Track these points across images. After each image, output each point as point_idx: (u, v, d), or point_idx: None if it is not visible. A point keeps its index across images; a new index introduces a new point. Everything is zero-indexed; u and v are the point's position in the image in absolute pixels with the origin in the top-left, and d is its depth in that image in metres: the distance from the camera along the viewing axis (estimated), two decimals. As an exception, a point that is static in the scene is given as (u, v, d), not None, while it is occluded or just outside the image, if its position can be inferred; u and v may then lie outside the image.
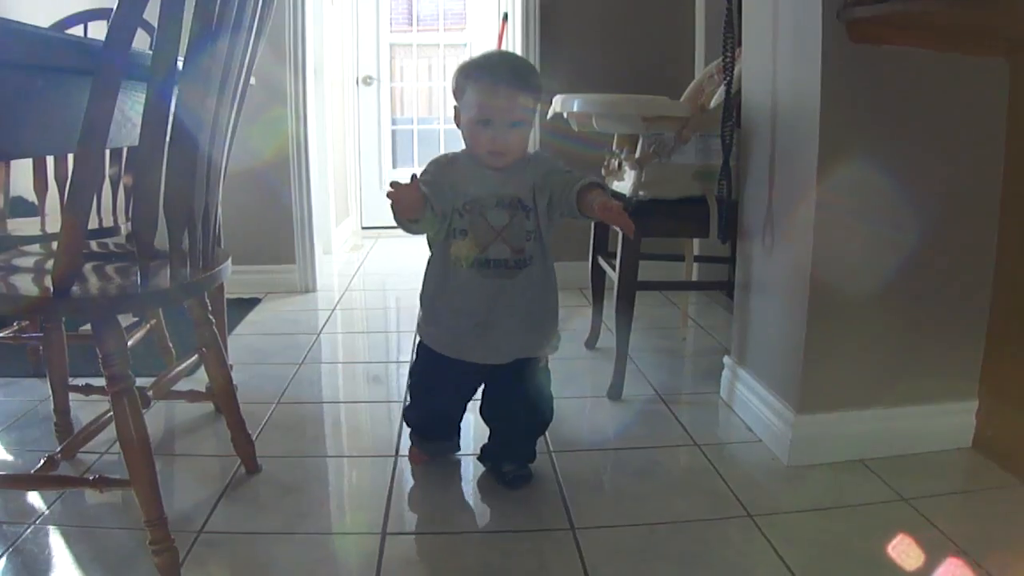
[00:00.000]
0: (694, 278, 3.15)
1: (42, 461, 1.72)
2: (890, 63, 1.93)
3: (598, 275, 3.02)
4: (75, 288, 1.38)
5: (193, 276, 1.54)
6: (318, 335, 3.33)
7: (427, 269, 1.89)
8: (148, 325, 2.47)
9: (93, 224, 2.41)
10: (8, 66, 1.14)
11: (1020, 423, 2.00)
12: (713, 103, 2.43)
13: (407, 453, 2.10)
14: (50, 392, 2.14)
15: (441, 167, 1.84)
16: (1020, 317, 2.00)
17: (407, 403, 2.12)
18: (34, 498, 1.87)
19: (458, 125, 1.84)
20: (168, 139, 1.41)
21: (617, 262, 2.50)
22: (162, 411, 2.40)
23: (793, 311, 2.10)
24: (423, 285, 1.90)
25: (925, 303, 2.08)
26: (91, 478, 1.54)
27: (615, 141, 2.69)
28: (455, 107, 1.84)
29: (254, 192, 3.84)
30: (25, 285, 1.50)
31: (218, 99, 1.54)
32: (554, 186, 1.81)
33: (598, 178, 1.72)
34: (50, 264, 1.66)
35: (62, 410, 2.10)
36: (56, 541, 1.72)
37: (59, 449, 1.76)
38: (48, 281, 1.47)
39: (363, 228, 5.88)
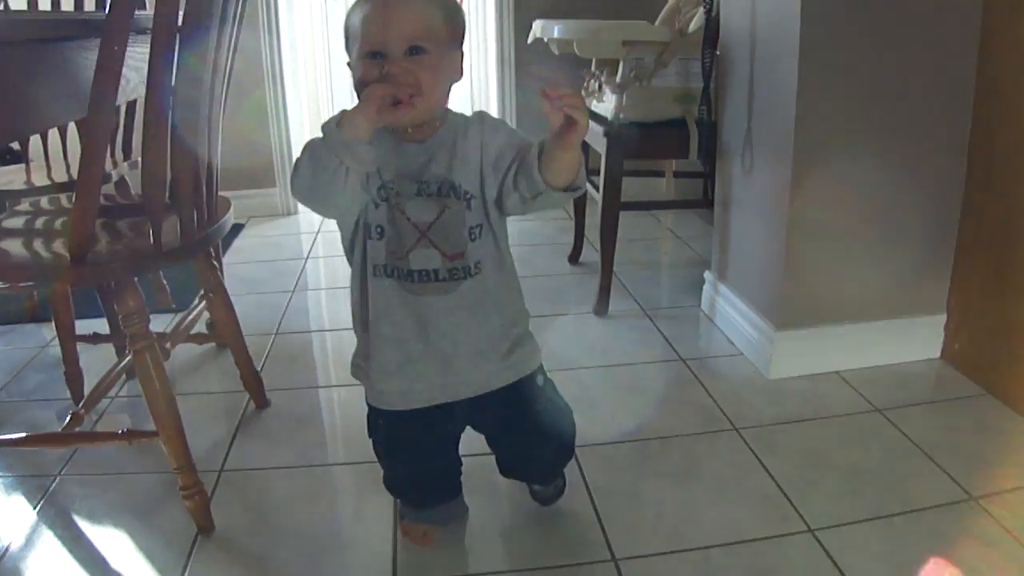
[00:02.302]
0: (674, 193, 3.22)
1: (68, 418, 1.80)
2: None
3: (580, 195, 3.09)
4: (90, 254, 1.44)
5: (201, 231, 1.61)
6: (305, 260, 3.39)
7: (350, 287, 1.42)
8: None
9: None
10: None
11: (985, 336, 2.11)
12: (692, 27, 2.47)
13: (401, 532, 1.61)
14: (48, 339, 2.20)
15: None
16: (986, 238, 2.09)
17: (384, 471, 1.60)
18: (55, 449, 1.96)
19: (357, 94, 1.24)
20: (173, 101, 1.46)
21: (600, 184, 2.57)
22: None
23: (772, 229, 2.18)
24: (350, 310, 1.44)
25: (899, 224, 2.17)
26: (120, 431, 1.62)
27: (593, 63, 2.74)
28: (348, 64, 1.29)
29: (232, 117, 3.84)
30: (39, 251, 1.54)
31: (215, 58, 1.58)
32: (510, 159, 1.30)
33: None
34: (57, 224, 1.72)
35: (71, 359, 2.15)
36: (85, 490, 1.80)
37: (80, 405, 1.83)
38: (60, 246, 1.54)
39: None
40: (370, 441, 1.52)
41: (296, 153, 3.94)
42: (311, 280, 3.17)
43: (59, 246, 1.54)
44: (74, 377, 2.18)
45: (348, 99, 6.04)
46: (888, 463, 1.81)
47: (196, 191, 1.58)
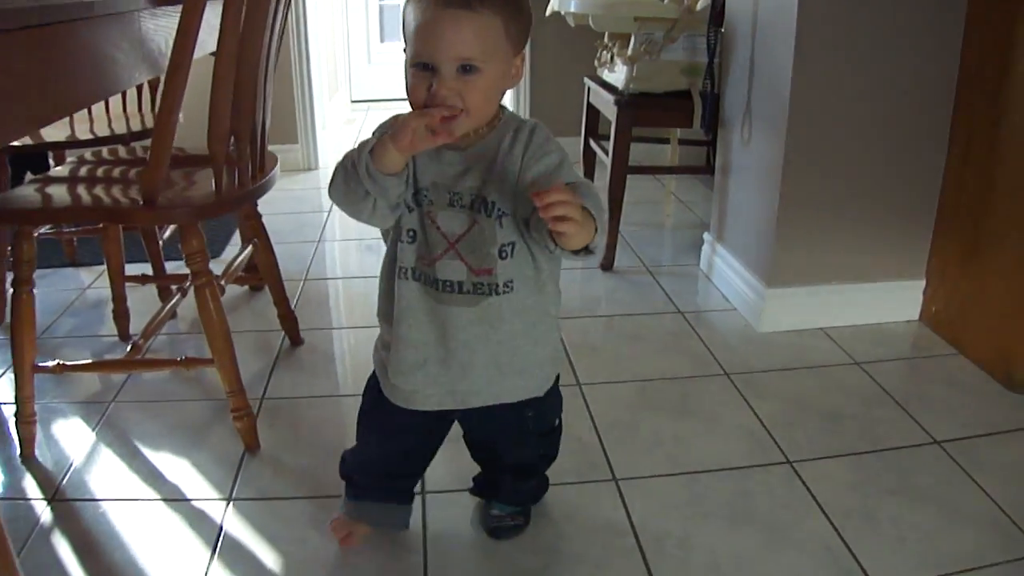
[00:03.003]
0: (678, 160, 3.41)
1: (129, 346, 2.00)
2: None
3: (589, 155, 3.28)
4: (160, 199, 1.63)
5: (255, 182, 1.80)
6: (328, 213, 3.58)
7: (380, 273, 1.37)
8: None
9: (133, 127, 2.63)
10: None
11: (960, 300, 2.30)
12: (700, 5, 2.64)
13: (330, 527, 1.56)
14: (88, 282, 2.37)
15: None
16: (964, 210, 2.27)
17: (351, 448, 1.57)
18: (106, 378, 2.16)
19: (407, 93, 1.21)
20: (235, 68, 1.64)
21: (610, 148, 2.76)
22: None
23: (767, 196, 2.37)
24: (378, 294, 1.39)
25: (883, 195, 2.35)
26: (179, 359, 1.82)
27: (606, 35, 2.91)
28: (404, 50, 1.21)
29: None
30: (116, 196, 1.73)
31: (272, 24, 1.76)
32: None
33: (596, 207, 1.16)
34: (117, 172, 1.90)
35: (119, 298, 2.34)
36: (138, 415, 2.01)
37: (139, 336, 2.03)
38: (133, 192, 1.72)
39: (353, 102, 6.04)
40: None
41: (317, 109, 4.13)
42: (334, 232, 3.36)
43: (133, 192, 1.72)
44: (122, 315, 2.37)
45: (365, 55, 6.18)
46: (863, 409, 2.01)
47: (252, 146, 1.76)
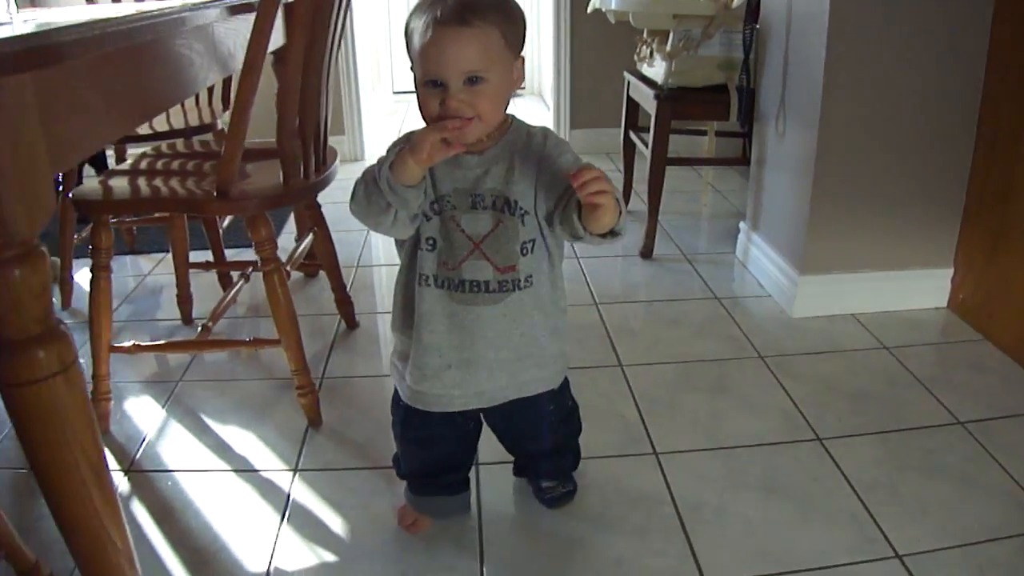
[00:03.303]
0: (715, 151, 3.51)
1: (200, 328, 2.14)
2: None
3: (629, 147, 3.39)
4: (233, 190, 1.76)
5: (318, 174, 1.92)
6: (376, 202, 3.71)
7: (394, 289, 1.45)
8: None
9: (193, 121, 2.77)
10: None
11: (987, 288, 2.39)
12: (736, 2, 2.74)
13: (397, 514, 1.66)
14: (148, 269, 2.51)
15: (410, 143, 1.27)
16: (990, 200, 2.36)
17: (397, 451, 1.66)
18: (171, 357, 2.31)
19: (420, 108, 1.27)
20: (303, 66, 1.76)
21: (650, 140, 2.87)
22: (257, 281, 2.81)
23: (800, 188, 2.47)
24: (392, 307, 1.47)
25: (913, 184, 2.43)
26: (248, 339, 1.96)
27: (645, 31, 3.02)
28: (411, 68, 1.27)
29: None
30: (190, 188, 1.86)
31: (334, 30, 1.89)
32: (563, 189, 1.30)
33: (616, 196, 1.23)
34: (189, 165, 2.04)
35: (183, 284, 2.48)
36: (204, 393, 2.15)
37: (208, 319, 2.17)
38: (207, 184, 1.86)
39: (394, 93, 6.16)
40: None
41: (363, 103, 4.26)
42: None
43: (204, 183, 1.86)
44: (185, 299, 2.51)
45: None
46: (890, 391, 2.11)
47: (316, 142, 1.89)
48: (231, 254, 2.77)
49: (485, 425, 1.60)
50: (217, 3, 1.61)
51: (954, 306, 2.53)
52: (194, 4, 1.47)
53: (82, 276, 2.77)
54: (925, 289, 2.55)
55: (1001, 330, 2.31)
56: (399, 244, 1.41)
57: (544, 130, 1.36)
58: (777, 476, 1.77)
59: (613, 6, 2.83)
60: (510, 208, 1.31)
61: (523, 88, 6.20)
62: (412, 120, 5.42)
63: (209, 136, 2.65)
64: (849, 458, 1.82)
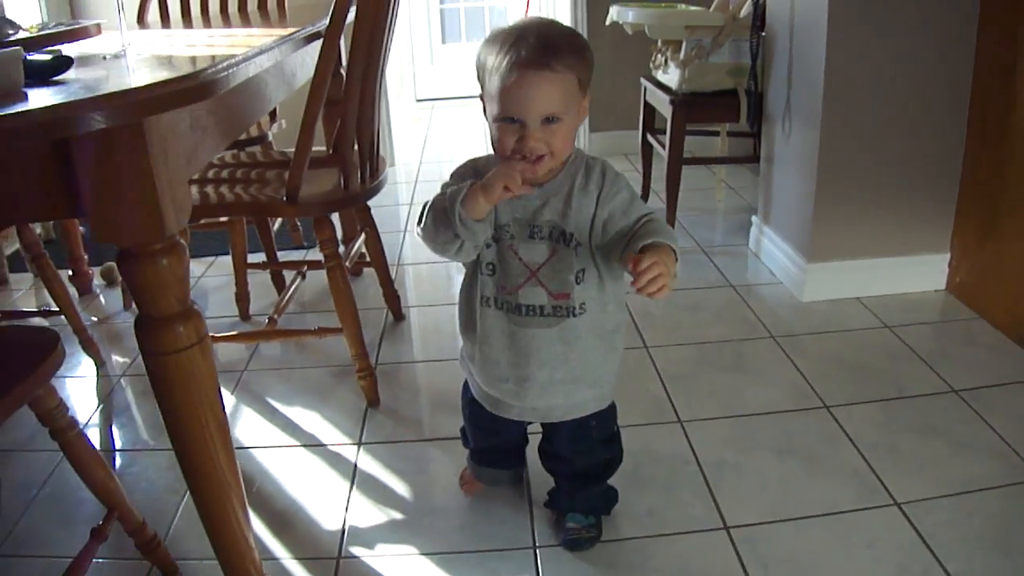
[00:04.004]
0: (727, 150, 3.73)
1: (267, 320, 2.38)
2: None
3: (647, 148, 3.61)
4: (300, 196, 1.99)
5: (373, 180, 2.15)
6: (410, 205, 3.96)
7: (459, 293, 1.55)
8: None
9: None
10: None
11: (981, 271, 2.59)
12: (743, 12, 2.96)
13: (460, 475, 1.87)
14: (200, 271, 2.73)
15: (474, 173, 1.40)
16: (982, 189, 2.56)
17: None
18: (233, 350, 2.54)
19: (487, 119, 1.36)
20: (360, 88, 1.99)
21: (667, 142, 3.09)
22: (316, 276, 3.05)
23: (805, 182, 2.68)
24: (458, 311, 1.58)
25: (910, 176, 2.64)
26: (314, 328, 2.20)
27: (659, 41, 3.24)
28: (480, 96, 1.36)
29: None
30: (260, 195, 2.07)
31: (384, 49, 2.11)
32: (620, 226, 1.37)
33: (670, 238, 1.30)
34: (254, 174, 2.26)
35: (242, 283, 2.71)
36: (269, 380, 2.39)
37: (273, 312, 2.40)
38: (273, 191, 2.08)
39: (417, 101, 6.39)
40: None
41: (394, 110, 4.46)
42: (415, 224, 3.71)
43: (268, 190, 2.07)
44: (243, 297, 2.74)
45: (428, 55, 6.50)
46: (890, 364, 2.32)
47: (371, 150, 2.12)
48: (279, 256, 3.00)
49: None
50: (297, 34, 1.82)
51: (951, 288, 2.73)
52: (281, 37, 1.68)
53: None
54: (924, 273, 2.75)
55: (994, 308, 2.51)
56: (465, 267, 1.51)
57: (603, 165, 1.41)
58: (788, 439, 1.99)
59: (630, 19, 3.05)
60: (565, 239, 1.38)
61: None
62: (436, 127, 5.65)
63: (257, 148, 2.88)
64: (852, 423, 2.04)
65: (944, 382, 2.21)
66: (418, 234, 1.41)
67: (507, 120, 1.28)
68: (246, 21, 2.77)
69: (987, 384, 2.19)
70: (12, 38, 1.40)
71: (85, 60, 1.34)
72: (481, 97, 1.35)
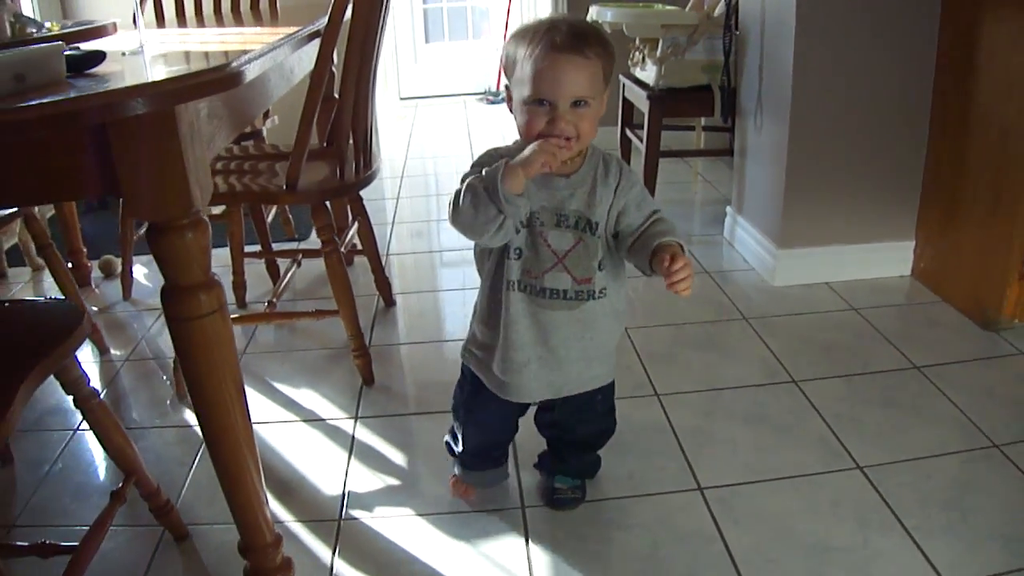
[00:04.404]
0: (703, 144, 3.87)
1: (266, 303, 2.50)
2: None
3: (625, 142, 3.75)
4: (299, 184, 2.11)
5: (366, 171, 2.27)
6: (396, 200, 4.08)
7: (479, 291, 1.61)
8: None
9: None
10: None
11: (943, 257, 2.74)
12: (717, 11, 3.09)
13: (450, 484, 1.88)
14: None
15: (497, 160, 1.42)
16: (943, 181, 2.70)
17: (451, 431, 1.85)
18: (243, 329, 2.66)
19: (511, 110, 1.46)
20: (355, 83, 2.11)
21: (644, 137, 3.22)
22: (308, 265, 3.16)
23: (776, 174, 2.82)
24: (475, 308, 1.64)
25: (875, 168, 2.78)
26: (311, 311, 2.32)
27: (637, 39, 3.38)
28: (506, 87, 1.46)
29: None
30: (260, 184, 2.19)
31: (377, 47, 2.23)
32: (630, 220, 1.49)
33: (678, 236, 1.45)
34: (250, 166, 2.37)
35: (239, 271, 2.82)
36: (267, 362, 2.50)
37: (273, 297, 2.52)
38: (276, 180, 2.20)
39: (401, 99, 6.50)
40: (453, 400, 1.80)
41: (378, 107, 4.56)
42: (403, 215, 3.85)
43: (263, 180, 2.19)
44: (240, 285, 2.85)
45: (411, 54, 6.61)
46: (855, 342, 2.46)
47: (364, 142, 2.24)
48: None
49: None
50: (299, 33, 1.94)
51: (916, 273, 2.88)
52: (287, 35, 1.79)
53: (138, 271, 3.14)
54: (890, 259, 2.89)
55: (955, 291, 2.66)
56: (485, 257, 1.55)
57: (619, 161, 1.52)
58: (758, 410, 2.13)
59: (608, 18, 3.18)
60: (591, 228, 1.47)
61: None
62: (420, 125, 5.77)
63: (251, 143, 2.99)
64: (819, 395, 2.18)
65: (906, 359, 2.35)
66: (452, 222, 1.45)
67: (537, 103, 1.37)
68: (239, 21, 2.88)
69: (947, 361, 2.33)
70: (36, 35, 1.52)
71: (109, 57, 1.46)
72: (507, 87, 1.45)
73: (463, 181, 1.43)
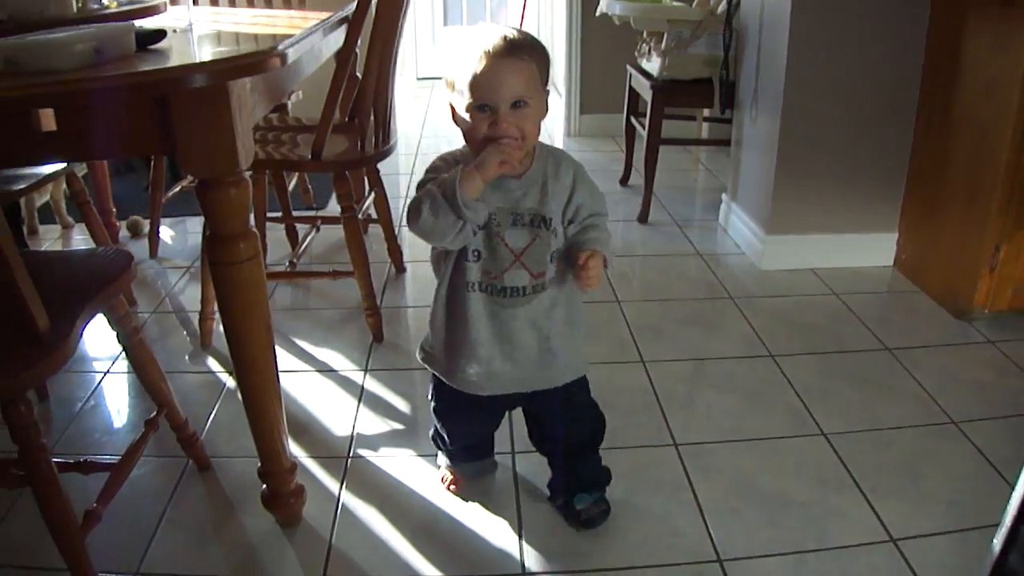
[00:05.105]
0: (704, 134, 4.05)
1: (287, 263, 2.69)
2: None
3: (630, 129, 3.93)
4: (324, 154, 2.30)
5: (385, 143, 2.46)
6: (411, 175, 4.28)
7: (435, 295, 1.62)
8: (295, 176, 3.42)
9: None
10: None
11: (923, 249, 2.91)
12: (719, 8, 3.27)
13: (441, 479, 1.92)
14: None
15: (451, 166, 1.51)
16: (925, 175, 2.87)
17: (435, 429, 1.88)
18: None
19: (456, 122, 1.49)
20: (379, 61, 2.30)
21: (647, 124, 3.41)
22: (326, 232, 3.35)
23: (767, 164, 3.00)
24: (432, 311, 1.64)
25: (862, 162, 2.95)
26: (329, 271, 2.52)
27: (644, 32, 3.56)
28: (450, 104, 1.49)
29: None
30: (293, 153, 2.39)
31: (397, 38, 2.41)
32: (581, 218, 1.56)
33: (604, 246, 1.53)
34: (275, 136, 2.57)
35: (261, 234, 2.92)
36: (284, 318, 2.70)
37: (293, 257, 2.72)
38: (300, 150, 2.39)
39: (418, 79, 6.68)
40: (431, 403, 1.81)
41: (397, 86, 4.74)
42: (411, 191, 4.02)
43: (297, 150, 2.39)
44: (262, 248, 3.03)
45: (429, 35, 6.77)
46: (833, 324, 2.65)
47: (384, 119, 2.43)
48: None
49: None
50: (331, 18, 2.11)
51: (898, 264, 3.05)
52: (321, 20, 1.97)
53: (164, 232, 3.34)
54: (874, 249, 3.06)
55: (932, 282, 2.83)
56: (443, 260, 1.58)
57: (567, 155, 1.58)
58: (735, 379, 2.32)
59: (617, 11, 3.37)
60: (545, 224, 1.51)
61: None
62: (436, 105, 5.95)
63: (275, 115, 3.18)
64: (792, 369, 2.36)
65: (880, 342, 2.53)
66: (411, 228, 1.49)
67: (479, 108, 1.41)
68: (268, 3, 3.08)
69: (918, 345, 2.51)
70: (97, 11, 1.70)
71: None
72: (450, 104, 1.48)
73: (420, 188, 1.49)
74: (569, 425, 1.75)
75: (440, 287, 1.59)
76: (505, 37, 1.40)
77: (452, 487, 1.89)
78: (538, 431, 1.81)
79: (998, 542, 1.28)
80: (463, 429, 1.82)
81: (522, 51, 1.40)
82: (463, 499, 1.87)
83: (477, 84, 1.40)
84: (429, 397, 1.79)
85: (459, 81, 1.42)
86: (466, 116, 1.43)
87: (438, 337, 1.65)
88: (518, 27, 1.50)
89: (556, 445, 1.80)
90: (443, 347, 1.65)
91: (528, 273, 1.53)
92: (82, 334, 1.46)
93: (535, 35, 1.49)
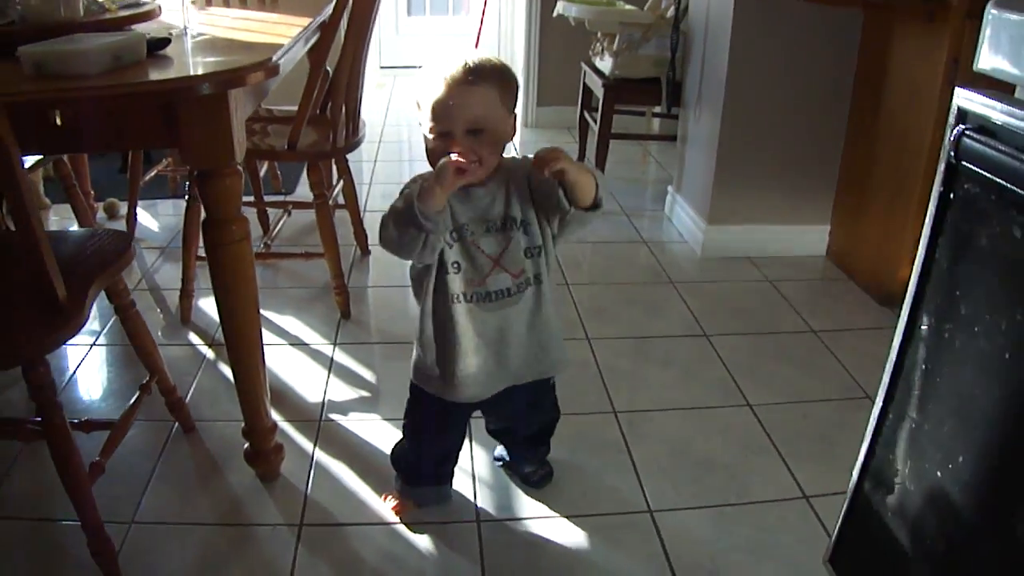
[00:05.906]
0: (655, 128, 4.29)
1: (262, 245, 2.89)
2: None
3: (583, 124, 4.16)
4: (298, 145, 2.50)
5: (355, 136, 2.66)
6: (375, 162, 4.47)
7: (420, 312, 1.61)
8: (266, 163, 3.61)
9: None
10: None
11: (852, 241, 3.15)
12: (669, 13, 3.50)
13: (392, 505, 1.89)
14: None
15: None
16: (854, 173, 3.11)
17: (399, 447, 1.90)
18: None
19: (428, 158, 1.50)
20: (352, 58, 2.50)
21: (599, 119, 3.64)
22: (296, 216, 3.53)
23: (708, 159, 3.23)
24: (419, 329, 1.62)
25: (797, 159, 3.18)
26: (301, 252, 2.72)
27: (599, 32, 3.79)
28: (419, 123, 1.51)
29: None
30: (267, 143, 2.58)
31: (368, 39, 2.61)
32: (555, 196, 1.48)
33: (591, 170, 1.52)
34: (255, 127, 2.76)
35: None
36: (259, 297, 2.83)
37: (267, 240, 2.91)
38: (276, 140, 2.58)
39: (381, 67, 6.85)
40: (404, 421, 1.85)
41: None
42: (379, 176, 4.26)
43: (268, 140, 2.58)
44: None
45: (392, 25, 6.91)
46: (764, 307, 2.89)
47: (354, 113, 2.63)
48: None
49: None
50: (311, 24, 2.30)
51: (830, 254, 3.28)
52: (304, 27, 2.15)
53: (141, 215, 3.51)
54: (808, 240, 3.30)
55: (860, 271, 3.07)
56: (424, 277, 1.57)
57: (514, 159, 1.59)
58: (671, 355, 2.56)
59: (573, 13, 3.59)
60: (515, 224, 1.53)
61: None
62: (399, 93, 6.12)
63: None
64: (724, 348, 2.60)
65: (807, 324, 2.77)
66: (382, 244, 1.52)
67: (439, 136, 1.46)
68: (243, 3, 3.25)
69: (843, 328, 2.75)
70: (101, 16, 1.88)
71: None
72: (420, 124, 1.51)
73: (391, 207, 1.49)
74: (534, 414, 1.88)
75: (424, 304, 1.59)
76: (465, 64, 1.43)
77: (400, 511, 1.88)
78: (500, 424, 1.96)
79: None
80: (437, 443, 1.84)
81: (481, 77, 1.43)
82: (409, 526, 1.86)
83: (435, 110, 1.44)
84: (405, 417, 1.84)
85: (423, 105, 1.47)
86: (431, 137, 1.47)
87: (429, 354, 1.64)
88: (485, 53, 1.51)
89: (517, 437, 1.95)
90: (436, 363, 1.64)
91: (509, 274, 1.56)
92: (92, 306, 1.65)
93: (500, 59, 1.53)
